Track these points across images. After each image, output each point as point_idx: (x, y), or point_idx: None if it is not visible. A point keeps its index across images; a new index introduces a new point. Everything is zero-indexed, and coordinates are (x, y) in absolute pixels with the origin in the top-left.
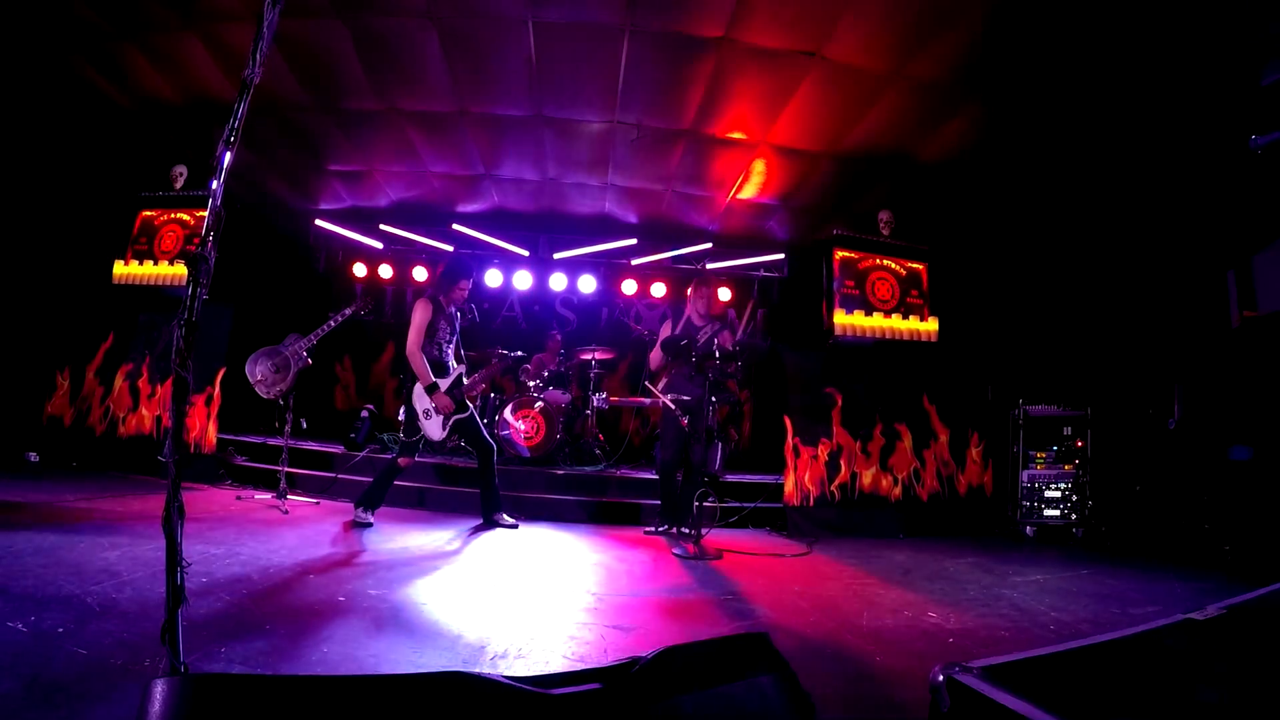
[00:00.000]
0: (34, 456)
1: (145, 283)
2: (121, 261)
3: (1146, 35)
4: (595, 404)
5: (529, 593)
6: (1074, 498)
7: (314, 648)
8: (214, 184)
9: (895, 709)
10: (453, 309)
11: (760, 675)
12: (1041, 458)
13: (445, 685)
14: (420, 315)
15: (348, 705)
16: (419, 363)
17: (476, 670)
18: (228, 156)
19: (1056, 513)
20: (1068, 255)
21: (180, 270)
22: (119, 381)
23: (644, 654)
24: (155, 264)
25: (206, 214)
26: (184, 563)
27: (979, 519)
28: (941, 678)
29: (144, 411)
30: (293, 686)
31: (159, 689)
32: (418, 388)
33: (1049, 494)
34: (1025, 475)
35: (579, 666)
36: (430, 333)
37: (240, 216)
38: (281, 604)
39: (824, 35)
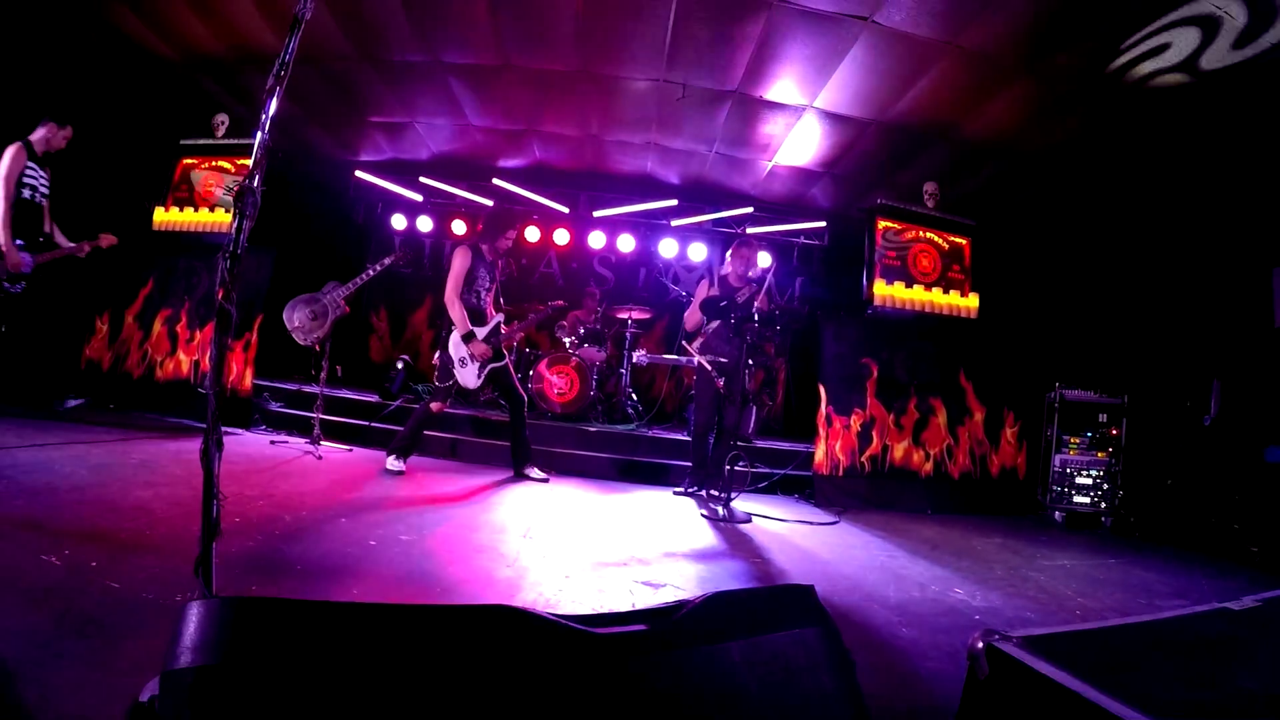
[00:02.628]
0: (72, 399)
1: (185, 229)
2: (162, 208)
3: None
4: (635, 360)
5: (557, 546)
6: (1105, 486)
7: (344, 589)
8: (263, 116)
9: (921, 679)
10: (493, 258)
11: (806, 627)
12: (1075, 443)
13: (492, 617)
14: (460, 263)
15: (393, 632)
16: (457, 311)
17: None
18: (276, 92)
19: (1086, 500)
20: (1113, 242)
21: (221, 217)
22: (158, 326)
23: (691, 598)
24: (195, 211)
25: (255, 149)
26: (219, 495)
27: (1009, 500)
28: (981, 645)
29: (182, 356)
30: (335, 612)
31: (194, 610)
32: (454, 335)
33: (1080, 480)
34: (1057, 460)
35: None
36: (469, 281)
37: (281, 166)
38: (313, 546)
39: None
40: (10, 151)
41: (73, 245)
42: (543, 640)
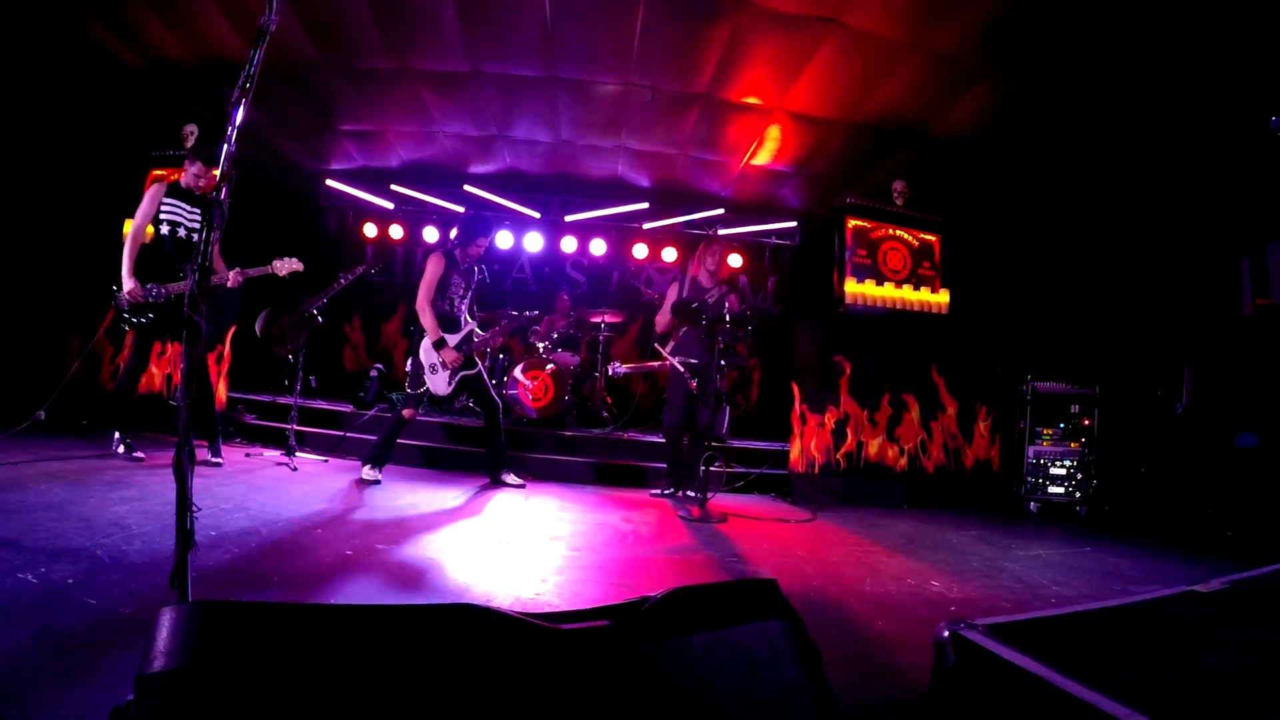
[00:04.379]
0: (43, 415)
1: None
2: (132, 220)
3: (1168, 16)
4: (610, 372)
5: (534, 550)
6: (1079, 476)
7: (321, 599)
8: (229, 129)
9: (897, 672)
10: (467, 264)
11: (769, 620)
12: (1048, 434)
13: (455, 616)
14: (432, 270)
15: (358, 631)
16: (428, 317)
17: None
18: (242, 104)
19: (1061, 490)
20: (1082, 234)
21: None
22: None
23: (654, 594)
24: None
25: (221, 160)
26: (194, 507)
27: (984, 493)
28: (947, 634)
29: (154, 370)
30: (303, 613)
31: (167, 615)
32: (426, 341)
33: (1054, 471)
34: (1031, 451)
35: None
36: (442, 288)
37: (251, 176)
38: (289, 557)
39: (844, 1)
40: (150, 191)
41: (221, 276)
42: (506, 637)
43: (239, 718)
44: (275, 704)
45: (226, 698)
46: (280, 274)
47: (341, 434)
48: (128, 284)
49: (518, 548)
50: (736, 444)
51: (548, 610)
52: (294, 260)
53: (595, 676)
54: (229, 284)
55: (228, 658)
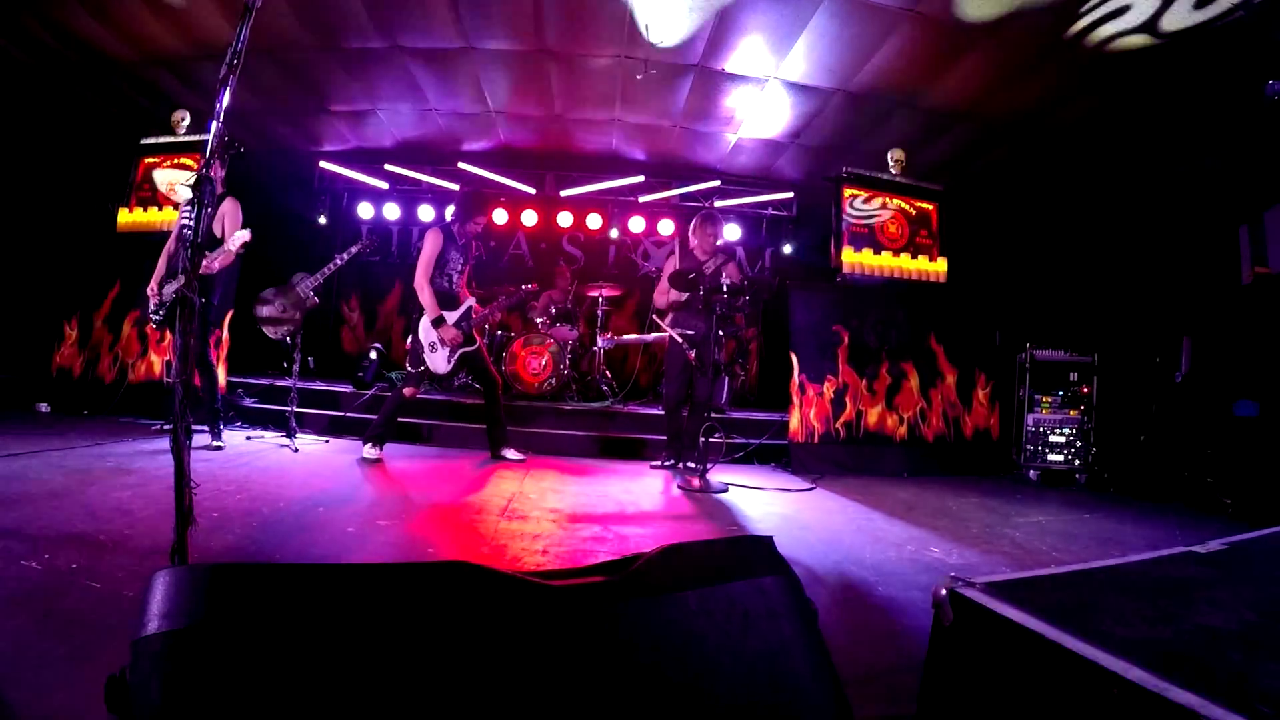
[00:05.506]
0: (45, 407)
1: (151, 229)
2: (125, 209)
3: None
4: (600, 344)
5: (534, 523)
6: (1078, 443)
7: None
8: (218, 105)
9: (896, 635)
10: (465, 241)
11: (764, 576)
12: (1047, 402)
13: (449, 573)
14: (430, 246)
15: (353, 589)
16: (426, 295)
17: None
18: (230, 82)
19: (1060, 457)
20: (1081, 202)
21: None
22: (127, 328)
23: (648, 551)
24: (160, 210)
25: (210, 138)
26: (192, 483)
27: (984, 461)
28: (945, 592)
29: (153, 357)
30: (298, 573)
31: (161, 578)
32: (425, 320)
33: (1053, 439)
34: (1030, 419)
35: None
36: (440, 264)
37: (245, 160)
38: (292, 536)
39: None
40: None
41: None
42: (499, 592)
43: (235, 676)
44: (271, 664)
45: (222, 657)
46: (234, 250)
47: (342, 414)
48: (151, 284)
49: (518, 521)
50: (736, 415)
51: None
52: (245, 233)
53: (587, 631)
54: (202, 270)
55: (223, 618)
